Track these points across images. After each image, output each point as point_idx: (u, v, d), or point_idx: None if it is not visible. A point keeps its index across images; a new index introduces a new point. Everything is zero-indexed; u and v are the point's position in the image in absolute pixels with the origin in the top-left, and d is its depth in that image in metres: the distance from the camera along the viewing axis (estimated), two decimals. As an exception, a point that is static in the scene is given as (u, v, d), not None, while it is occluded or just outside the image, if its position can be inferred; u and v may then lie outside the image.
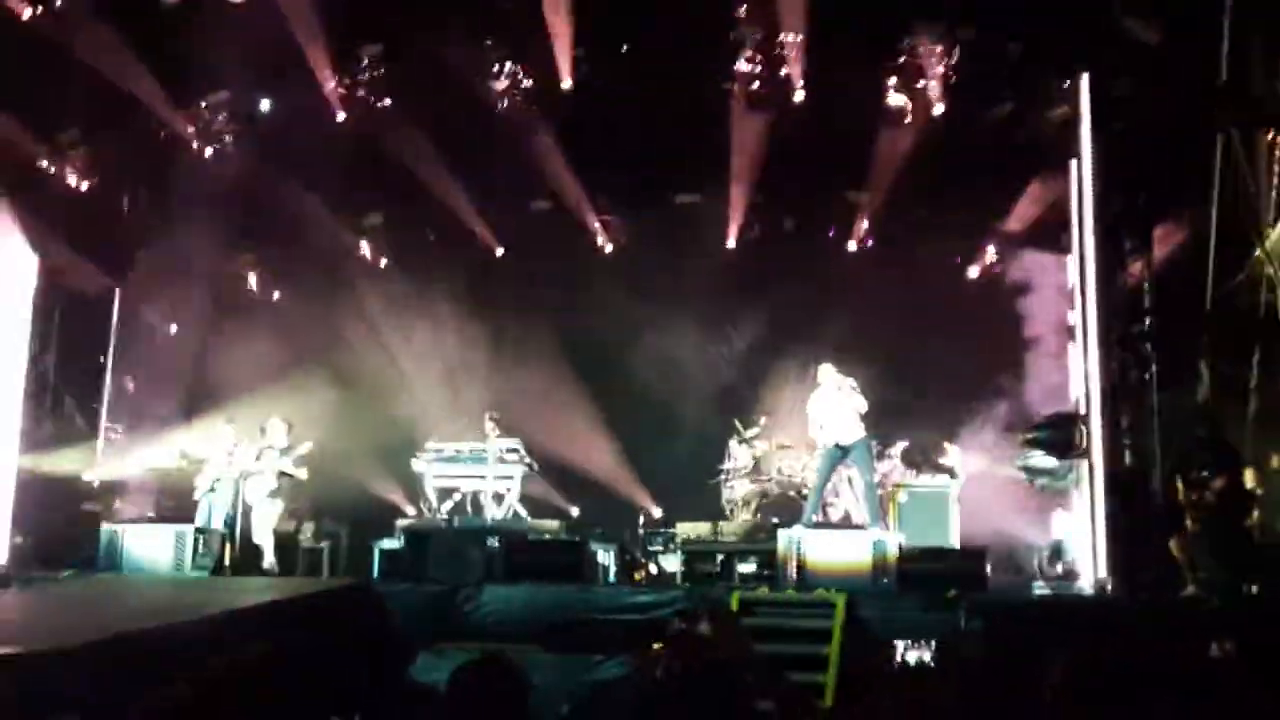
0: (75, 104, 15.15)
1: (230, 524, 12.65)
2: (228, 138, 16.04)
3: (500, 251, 17.48)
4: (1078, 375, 12.84)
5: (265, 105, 16.09)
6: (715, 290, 16.09)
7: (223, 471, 12.85)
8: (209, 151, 16.03)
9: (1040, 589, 12.00)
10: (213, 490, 12.84)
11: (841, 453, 11.94)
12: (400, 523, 14.36)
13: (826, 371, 12.06)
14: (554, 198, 16.67)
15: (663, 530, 15.02)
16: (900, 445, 14.03)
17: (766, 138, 14.94)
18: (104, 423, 16.64)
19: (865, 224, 16.28)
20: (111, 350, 16.76)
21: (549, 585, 10.69)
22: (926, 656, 9.61)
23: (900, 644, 9.65)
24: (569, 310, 16.80)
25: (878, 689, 6.92)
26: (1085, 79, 12.58)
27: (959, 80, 13.93)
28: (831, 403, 11.87)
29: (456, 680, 3.77)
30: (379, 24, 14.97)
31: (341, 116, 15.45)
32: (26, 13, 13.59)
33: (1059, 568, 12.29)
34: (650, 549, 14.82)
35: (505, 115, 15.02)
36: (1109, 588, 11.00)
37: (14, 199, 14.46)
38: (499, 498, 14.15)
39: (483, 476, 14.13)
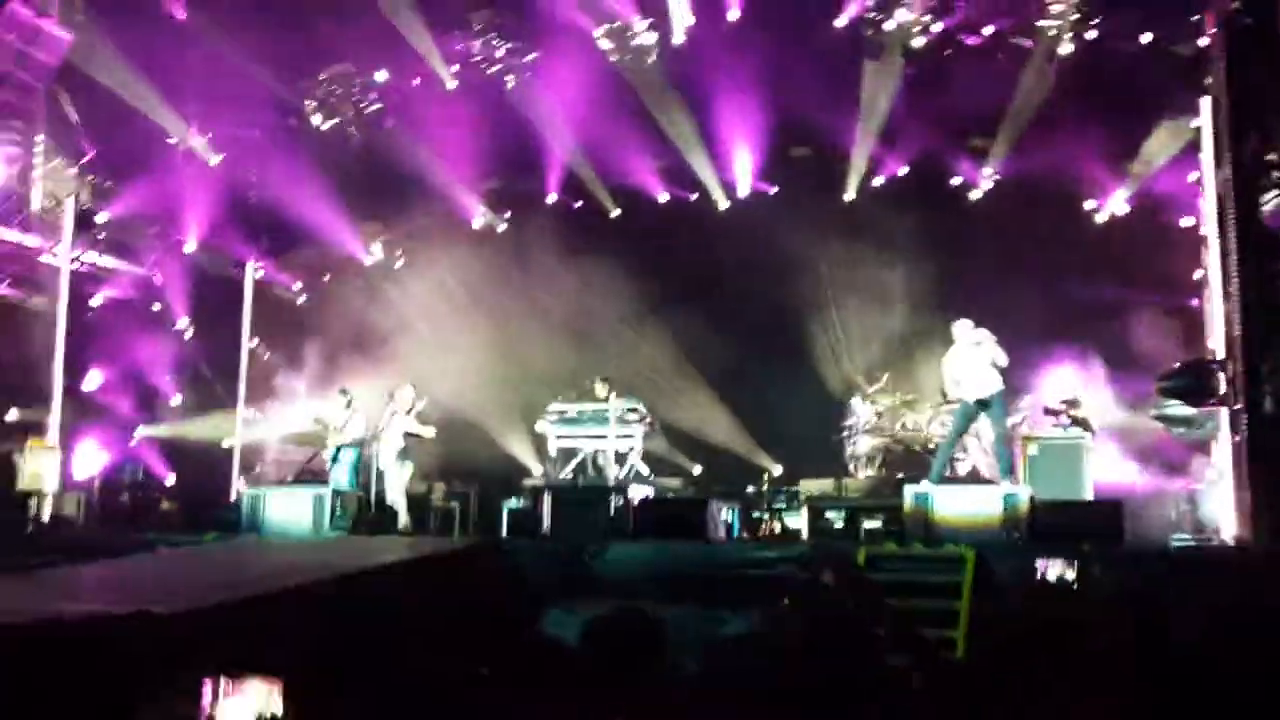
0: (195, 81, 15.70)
1: (364, 486, 12.98)
2: (345, 110, 16.41)
3: (615, 213, 17.50)
4: (1214, 320, 12.35)
5: (381, 77, 16.40)
6: (836, 244, 15.85)
7: (339, 439, 13.16)
8: (327, 125, 16.43)
9: (1179, 541, 11.62)
10: (336, 460, 13.16)
11: (979, 407, 11.67)
12: (526, 482, 14.61)
13: (962, 327, 11.74)
14: (668, 156, 16.62)
15: (786, 488, 14.97)
16: (1031, 397, 13.69)
17: (886, 86, 14.71)
18: (242, 391, 17.30)
19: (989, 171, 15.85)
20: (247, 322, 17.38)
21: (672, 542, 10.74)
22: (1070, 575, 9.48)
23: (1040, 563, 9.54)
24: (689, 269, 16.73)
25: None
26: (1217, 10, 12.01)
27: (1088, 16, 13.50)
28: (967, 358, 11.58)
29: (593, 630, 3.78)
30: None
31: (452, 85, 15.69)
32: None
33: (1197, 519, 11.89)
34: (774, 506, 14.79)
35: (618, 73, 15.06)
36: (1248, 539, 10.60)
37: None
38: (621, 457, 14.26)
39: (604, 436, 14.25)
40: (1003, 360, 11.40)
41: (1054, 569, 9.28)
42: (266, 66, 15.54)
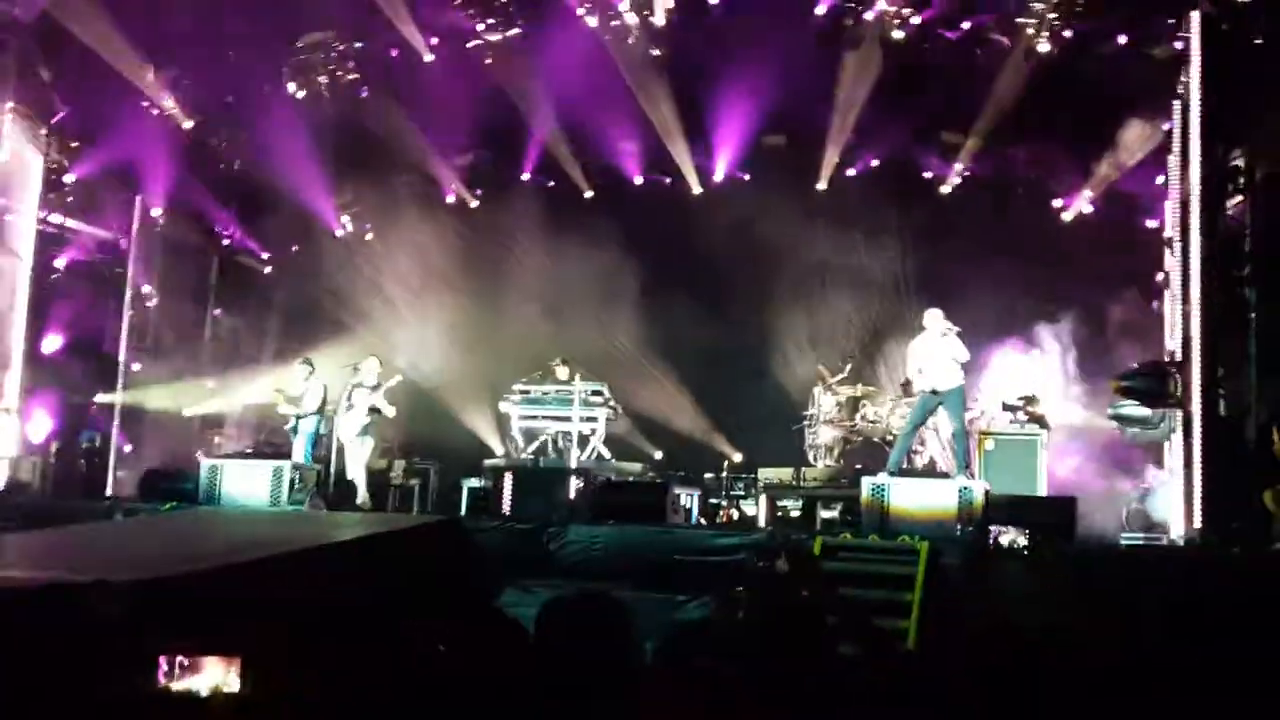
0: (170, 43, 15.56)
1: (324, 460, 12.93)
2: (322, 79, 16.27)
3: (589, 194, 17.48)
4: (1173, 322, 12.53)
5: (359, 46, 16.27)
6: (806, 233, 15.91)
7: (299, 409, 13.09)
8: (302, 93, 16.28)
9: (1128, 539, 11.81)
10: (294, 431, 13.09)
11: (936, 400, 11.78)
12: (487, 462, 14.61)
13: (933, 317, 11.81)
14: (644, 139, 16.62)
15: (745, 475, 15.06)
16: (989, 392, 13.82)
17: (863, 78, 14.80)
18: (204, 362, 17.17)
19: (960, 165, 15.98)
20: (211, 292, 17.24)
21: (632, 526, 10.80)
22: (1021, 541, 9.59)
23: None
24: (661, 253, 16.75)
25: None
26: (1196, 15, 12.14)
27: (1066, 15, 13.63)
28: (933, 348, 11.67)
29: (550, 611, 3.78)
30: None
31: (429, 58, 15.60)
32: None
33: (1148, 518, 12.08)
34: (732, 493, 14.88)
35: (598, 53, 15.04)
36: (1200, 539, 10.79)
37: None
38: (584, 439, 14.29)
39: (568, 418, 14.28)
40: (964, 356, 11.51)
41: (1006, 563, 9.44)
42: (243, 31, 15.37)
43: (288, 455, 12.84)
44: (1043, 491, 12.13)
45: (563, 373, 14.60)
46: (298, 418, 13.06)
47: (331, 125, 16.37)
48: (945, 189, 16.24)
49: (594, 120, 16.37)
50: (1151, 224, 14.33)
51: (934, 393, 11.65)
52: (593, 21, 14.99)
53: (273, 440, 13.97)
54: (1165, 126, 13.28)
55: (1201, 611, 4.15)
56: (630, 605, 3.96)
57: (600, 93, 15.55)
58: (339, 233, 18.12)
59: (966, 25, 14.44)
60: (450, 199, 17.95)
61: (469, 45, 15.74)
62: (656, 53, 15.29)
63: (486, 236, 17.37)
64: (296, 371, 13.42)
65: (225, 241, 17.76)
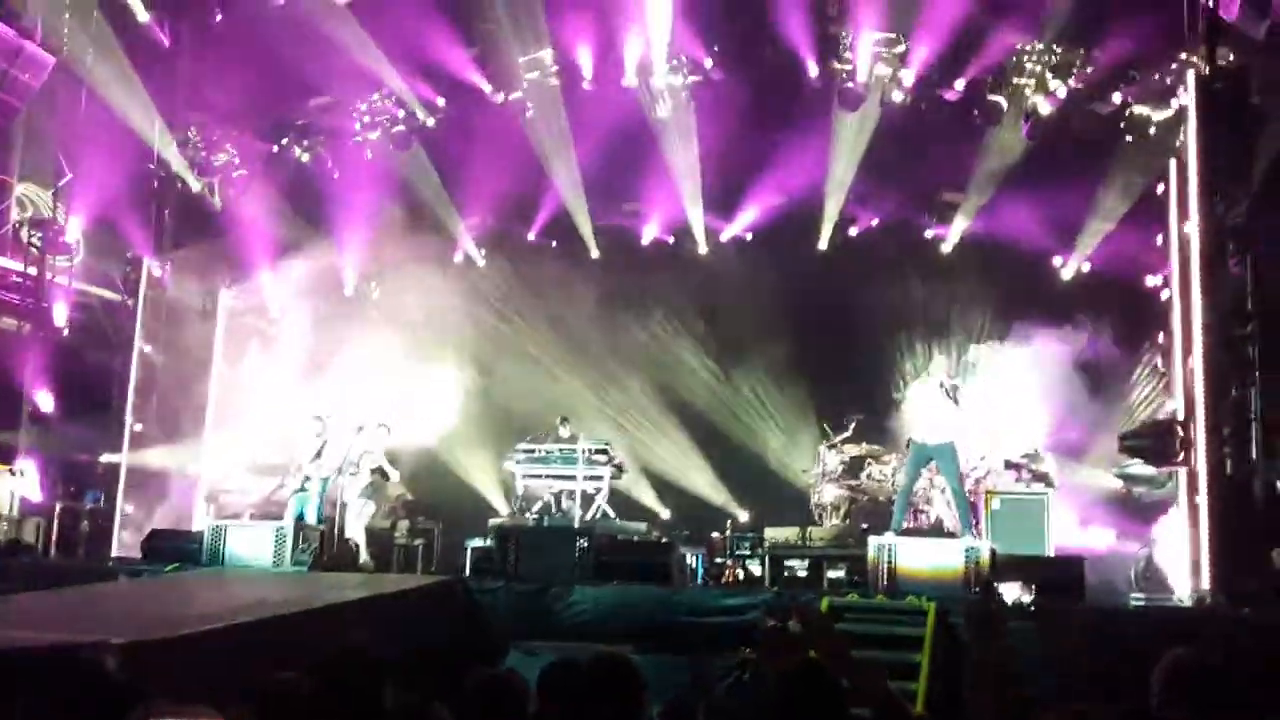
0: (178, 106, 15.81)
1: (327, 521, 12.89)
2: (324, 143, 16.47)
3: (595, 254, 17.59)
4: (1177, 379, 12.53)
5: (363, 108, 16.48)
6: (809, 292, 15.98)
7: (311, 470, 13.07)
8: (306, 156, 16.47)
9: (1136, 600, 11.72)
10: (303, 489, 13.05)
11: (925, 454, 11.76)
12: (492, 522, 14.55)
13: (939, 364, 11.86)
14: (653, 199, 16.78)
15: (750, 534, 14.97)
16: (993, 451, 13.78)
17: (862, 137, 14.98)
18: (208, 421, 17.15)
19: (960, 224, 16.09)
20: (218, 350, 17.28)
21: (638, 586, 10.73)
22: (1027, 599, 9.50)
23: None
24: (664, 313, 16.80)
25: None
26: (1192, 75, 12.30)
27: (1062, 74, 13.84)
28: (930, 399, 11.67)
29: (557, 676, 3.72)
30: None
31: (431, 122, 15.83)
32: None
33: (1154, 578, 11.99)
34: (738, 553, 14.77)
35: (606, 116, 15.26)
36: (1209, 599, 10.71)
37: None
38: (588, 499, 14.25)
39: (572, 477, 14.24)
40: (957, 410, 11.50)
41: (1013, 623, 9.35)
42: (250, 94, 15.60)
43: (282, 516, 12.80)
44: (1051, 551, 12.06)
45: (564, 431, 14.61)
46: (307, 477, 13.03)
47: (338, 184, 16.53)
48: (946, 248, 16.34)
49: (600, 181, 16.53)
50: (1154, 281, 14.38)
51: (922, 445, 11.64)
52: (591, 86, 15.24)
53: (276, 500, 13.91)
54: (1161, 186, 13.38)
55: (1211, 673, 4.09)
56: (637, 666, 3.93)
57: (607, 155, 15.74)
58: (348, 291, 18.17)
59: (960, 84, 14.63)
60: (458, 258, 18.03)
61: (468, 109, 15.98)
62: (663, 116, 15.47)
63: (492, 295, 17.44)
64: (308, 428, 13.42)
65: (231, 300, 17.81)
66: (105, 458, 16.34)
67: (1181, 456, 11.85)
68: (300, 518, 12.78)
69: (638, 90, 15.29)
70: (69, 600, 7.39)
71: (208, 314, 17.52)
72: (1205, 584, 10.91)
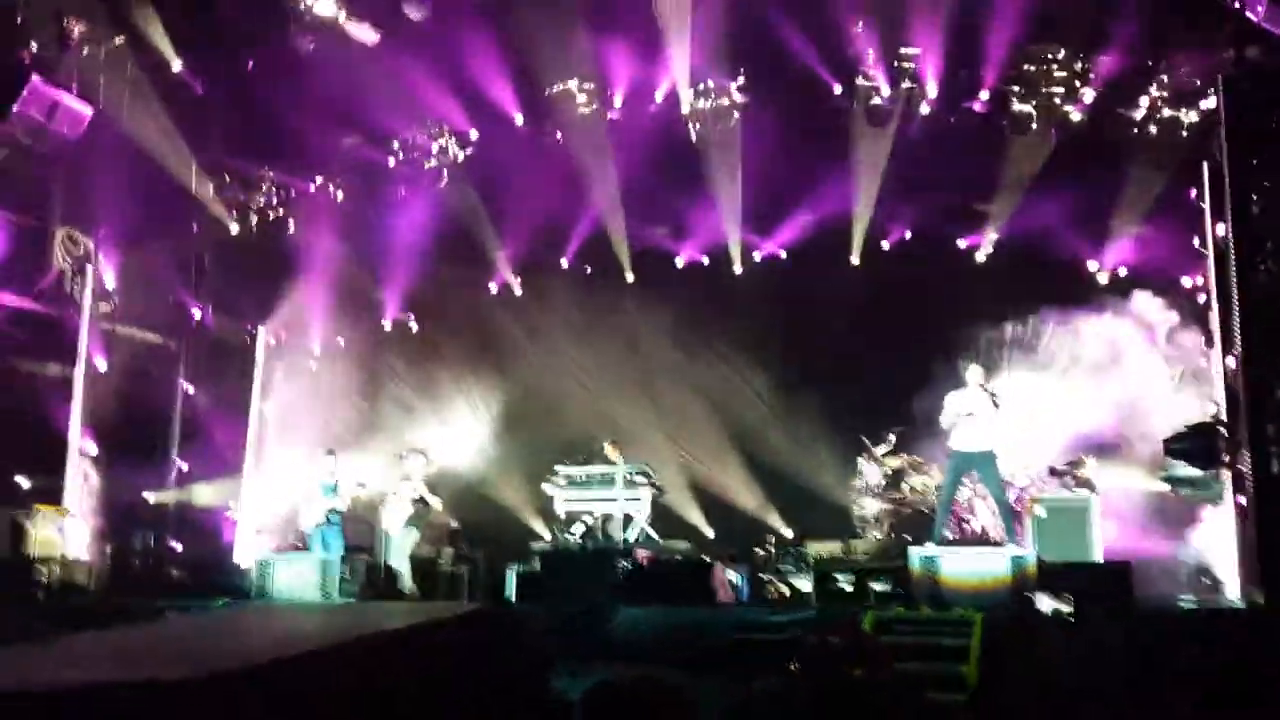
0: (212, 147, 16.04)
1: (371, 551, 13.01)
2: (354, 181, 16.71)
3: (630, 278, 17.64)
4: (1219, 381, 12.39)
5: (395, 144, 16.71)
6: (845, 306, 15.97)
7: (330, 503, 13.20)
8: (341, 195, 16.70)
9: (1187, 602, 11.58)
10: (330, 523, 13.17)
11: (965, 462, 11.67)
12: (534, 546, 14.61)
13: (975, 373, 11.78)
14: (686, 220, 16.89)
15: (793, 549, 14.93)
16: (1036, 458, 13.68)
17: (890, 150, 15.00)
18: (249, 456, 17.36)
19: (993, 230, 16.03)
20: (257, 387, 17.49)
21: (681, 606, 10.73)
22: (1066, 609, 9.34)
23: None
24: (703, 333, 16.85)
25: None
26: (1221, 78, 12.21)
27: (1092, 83, 13.80)
28: (967, 407, 11.60)
29: (599, 698, 3.74)
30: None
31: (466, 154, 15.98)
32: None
33: (1205, 580, 11.85)
34: (781, 569, 14.74)
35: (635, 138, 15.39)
36: (1257, 600, 10.56)
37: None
38: (629, 520, 14.27)
39: (613, 499, 14.28)
40: (997, 421, 11.41)
41: (1061, 631, 9.27)
42: (284, 135, 15.84)
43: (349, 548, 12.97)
44: (1098, 557, 11.94)
45: (612, 453, 14.65)
46: (333, 510, 13.19)
47: (372, 220, 16.73)
48: (980, 256, 16.27)
49: (633, 204, 16.67)
50: (1189, 282, 14.23)
51: (961, 454, 11.55)
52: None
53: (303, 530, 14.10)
54: (1195, 187, 13.28)
55: (1262, 674, 4.06)
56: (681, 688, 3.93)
57: (640, 179, 15.86)
58: (387, 325, 18.34)
59: (985, 95, 14.60)
60: (495, 286, 18.15)
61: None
62: (694, 137, 15.57)
63: (529, 321, 17.56)
64: (324, 463, 13.57)
65: (272, 340, 18.03)
66: (153, 497, 16.57)
67: (1227, 458, 11.72)
68: (326, 548, 12.94)
69: (670, 116, 15.42)
70: (118, 640, 7.47)
71: (248, 351, 17.74)
72: (1254, 584, 10.75)
